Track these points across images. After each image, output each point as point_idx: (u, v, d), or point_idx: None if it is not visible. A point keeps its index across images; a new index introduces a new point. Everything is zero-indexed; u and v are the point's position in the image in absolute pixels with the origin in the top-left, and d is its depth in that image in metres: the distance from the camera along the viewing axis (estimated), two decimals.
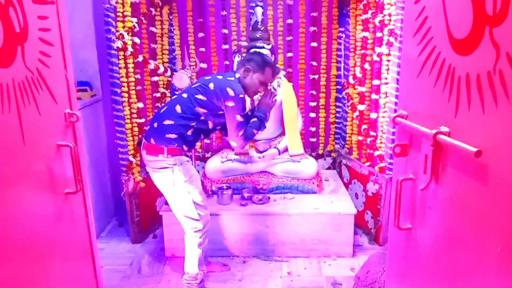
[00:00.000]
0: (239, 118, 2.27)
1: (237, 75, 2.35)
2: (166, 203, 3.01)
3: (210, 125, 2.38)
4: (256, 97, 2.78)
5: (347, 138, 3.42)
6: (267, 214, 2.89)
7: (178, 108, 2.28)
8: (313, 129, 3.56)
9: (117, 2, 2.75)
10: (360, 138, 3.19)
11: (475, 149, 1.03)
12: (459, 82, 1.12)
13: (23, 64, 1.25)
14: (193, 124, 2.30)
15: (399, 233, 1.49)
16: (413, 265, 1.46)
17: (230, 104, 2.23)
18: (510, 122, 0.96)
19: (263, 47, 2.98)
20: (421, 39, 1.30)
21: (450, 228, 1.20)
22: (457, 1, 1.12)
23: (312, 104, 3.49)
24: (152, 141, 2.29)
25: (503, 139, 0.99)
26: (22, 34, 1.25)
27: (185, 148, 2.33)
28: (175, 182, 2.30)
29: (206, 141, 3.62)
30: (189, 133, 2.30)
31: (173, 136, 2.26)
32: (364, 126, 3.09)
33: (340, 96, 3.46)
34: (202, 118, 2.31)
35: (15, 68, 1.21)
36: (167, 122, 2.27)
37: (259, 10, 3.04)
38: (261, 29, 3.03)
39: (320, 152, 3.65)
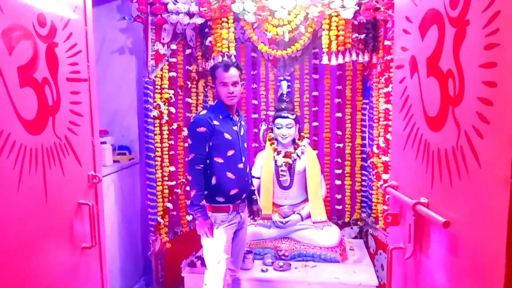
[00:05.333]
0: (189, 141, 2.40)
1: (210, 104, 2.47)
2: (189, 265, 3.10)
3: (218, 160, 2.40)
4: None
5: (373, 207, 3.40)
6: (287, 282, 2.89)
7: None
8: (339, 196, 3.59)
9: (156, 77, 3.06)
10: (385, 207, 3.17)
11: (443, 220, 1.08)
12: (433, 156, 1.20)
13: (52, 132, 1.47)
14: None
15: None
16: None
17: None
18: (472, 195, 1.02)
19: (287, 117, 3.15)
20: (405, 116, 1.40)
21: None
22: (429, 83, 1.23)
23: (338, 171, 3.55)
24: None
25: (467, 211, 1.04)
26: (54, 107, 1.48)
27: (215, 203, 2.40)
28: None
29: None
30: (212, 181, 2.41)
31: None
32: (388, 195, 3.08)
33: (366, 164, 3.50)
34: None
35: (44, 135, 1.42)
36: None
37: (284, 84, 3.26)
38: (286, 100, 3.23)
39: (347, 220, 3.63)
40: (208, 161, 2.39)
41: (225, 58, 2.99)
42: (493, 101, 0.94)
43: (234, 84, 2.38)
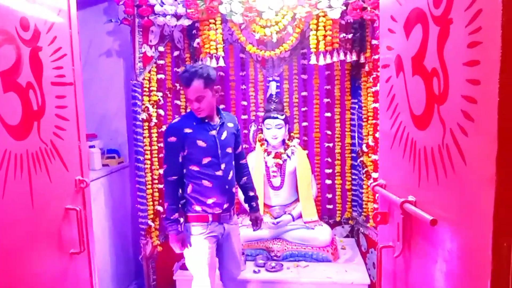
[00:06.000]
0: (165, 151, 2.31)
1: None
2: (181, 268, 3.08)
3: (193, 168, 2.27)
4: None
5: (364, 206, 3.42)
6: (279, 282, 2.89)
7: None
8: (330, 195, 3.59)
9: (144, 79, 3.04)
10: (376, 205, 3.18)
11: (430, 218, 1.08)
12: (419, 154, 1.20)
13: (38, 137, 1.45)
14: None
15: None
16: None
17: None
18: (458, 193, 1.02)
19: (277, 118, 3.15)
20: (392, 114, 1.40)
21: None
22: (414, 82, 1.23)
23: (328, 171, 3.56)
24: None
25: (454, 208, 1.05)
26: (39, 112, 1.46)
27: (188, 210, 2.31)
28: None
29: None
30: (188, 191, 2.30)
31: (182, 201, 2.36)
32: (377, 194, 3.10)
33: (356, 163, 3.52)
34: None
35: (30, 140, 1.40)
36: None
37: (273, 85, 3.27)
38: (275, 101, 3.23)
39: (338, 219, 3.64)
40: (184, 170, 2.28)
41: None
42: (477, 99, 0.95)
43: (198, 99, 2.15)
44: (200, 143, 2.22)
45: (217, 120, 2.30)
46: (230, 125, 2.38)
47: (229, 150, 2.34)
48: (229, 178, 2.34)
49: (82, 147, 1.72)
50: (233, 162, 2.38)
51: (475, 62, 0.95)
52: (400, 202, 1.23)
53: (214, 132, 2.26)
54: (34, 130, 1.43)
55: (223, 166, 2.28)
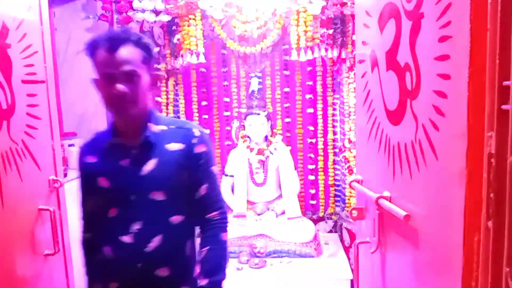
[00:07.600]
0: None
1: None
2: None
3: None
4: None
5: (347, 201, 3.43)
6: (262, 279, 2.88)
7: None
8: (313, 191, 3.60)
9: None
10: None
11: (404, 213, 1.08)
12: (393, 150, 1.20)
13: (7, 136, 1.41)
14: None
15: None
16: None
17: None
18: (430, 188, 1.02)
19: (258, 114, 3.14)
20: (367, 109, 1.40)
21: None
22: (388, 77, 1.23)
23: (311, 167, 3.56)
24: None
25: (426, 204, 1.04)
26: (8, 110, 1.42)
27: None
28: None
29: None
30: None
31: None
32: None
33: (338, 159, 3.53)
34: None
35: None
36: None
37: (254, 81, 3.25)
38: (257, 97, 3.22)
39: (321, 214, 3.65)
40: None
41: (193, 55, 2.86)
42: (448, 93, 0.94)
43: (127, 76, 1.17)
44: (102, 181, 1.26)
45: (145, 136, 1.26)
46: (174, 146, 1.27)
47: (159, 196, 1.25)
48: (149, 249, 1.23)
49: (56, 146, 1.69)
50: (176, 219, 1.27)
51: (446, 57, 0.94)
52: (375, 198, 1.23)
53: (126, 163, 1.26)
54: (4, 129, 1.39)
55: (137, 226, 1.24)
